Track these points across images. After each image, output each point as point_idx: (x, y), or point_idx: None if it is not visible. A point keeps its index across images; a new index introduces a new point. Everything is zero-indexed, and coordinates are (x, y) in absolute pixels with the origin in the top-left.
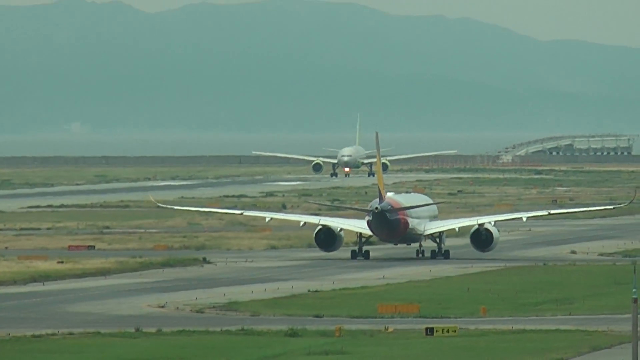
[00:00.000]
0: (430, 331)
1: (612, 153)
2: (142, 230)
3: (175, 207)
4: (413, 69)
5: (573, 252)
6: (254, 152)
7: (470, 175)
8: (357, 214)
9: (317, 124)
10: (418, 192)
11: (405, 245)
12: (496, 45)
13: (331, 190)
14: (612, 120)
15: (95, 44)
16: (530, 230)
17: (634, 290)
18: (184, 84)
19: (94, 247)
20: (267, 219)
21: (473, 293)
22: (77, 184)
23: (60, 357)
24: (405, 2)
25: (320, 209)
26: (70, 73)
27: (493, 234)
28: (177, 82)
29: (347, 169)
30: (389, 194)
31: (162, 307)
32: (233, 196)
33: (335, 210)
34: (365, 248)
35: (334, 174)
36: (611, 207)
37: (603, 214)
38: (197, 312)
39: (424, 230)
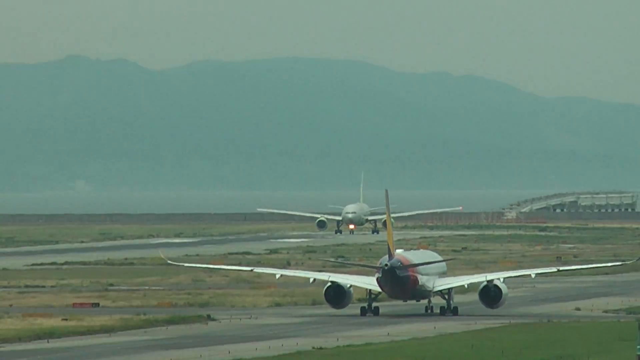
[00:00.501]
0: None
1: (616, 210)
2: (147, 288)
3: (186, 265)
4: (417, 127)
5: (577, 309)
6: (258, 209)
7: (474, 232)
8: (367, 270)
9: (322, 182)
10: (422, 249)
11: (414, 301)
12: (500, 102)
13: (335, 247)
14: (615, 177)
15: (100, 101)
16: (534, 286)
17: (638, 347)
18: (188, 142)
19: (99, 304)
20: (277, 276)
21: (477, 350)
22: (82, 242)
23: None
24: (410, 58)
25: (324, 266)
26: (74, 130)
27: (502, 290)
28: (181, 140)
29: (351, 226)
30: (398, 251)
31: None
32: (237, 253)
33: (340, 266)
34: (374, 304)
35: (339, 231)
36: (619, 263)
37: (607, 271)
38: None
39: (433, 287)
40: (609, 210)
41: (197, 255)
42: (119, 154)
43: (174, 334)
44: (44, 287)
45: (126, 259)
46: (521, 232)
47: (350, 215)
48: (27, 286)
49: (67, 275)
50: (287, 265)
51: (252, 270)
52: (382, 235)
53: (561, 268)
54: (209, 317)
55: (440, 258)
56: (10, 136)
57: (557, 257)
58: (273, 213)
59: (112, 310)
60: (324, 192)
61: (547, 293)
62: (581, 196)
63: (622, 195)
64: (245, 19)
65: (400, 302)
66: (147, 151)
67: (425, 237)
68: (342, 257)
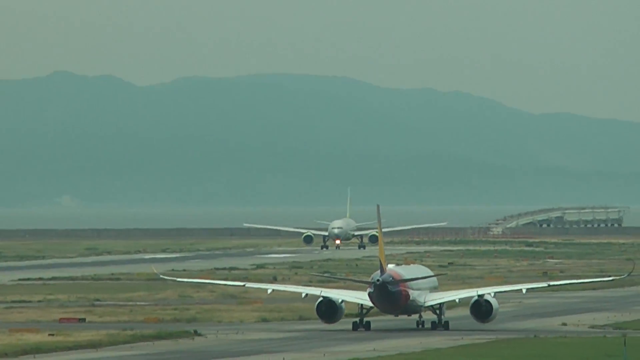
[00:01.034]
0: None
1: (602, 225)
2: (133, 303)
3: (178, 279)
4: (404, 143)
5: (564, 324)
6: (245, 225)
7: (461, 248)
8: (357, 285)
9: (308, 197)
10: (411, 264)
11: (406, 316)
12: (486, 119)
13: (322, 263)
14: (602, 193)
15: (86, 117)
16: (521, 302)
17: None
18: (174, 157)
19: (85, 319)
20: (269, 291)
21: None
22: (68, 257)
23: None
24: (396, 75)
25: (311, 280)
26: (61, 146)
27: (493, 305)
28: (168, 155)
29: (337, 241)
30: (390, 266)
31: None
32: (224, 268)
33: (327, 281)
34: (366, 319)
35: (325, 246)
36: (610, 279)
37: (594, 287)
38: None
39: (425, 302)
40: (595, 226)
41: (184, 270)
42: (105, 169)
43: (161, 350)
44: (30, 302)
45: (113, 274)
46: (507, 247)
47: (336, 231)
48: (13, 301)
49: (54, 290)
50: (273, 280)
51: (244, 285)
52: (369, 251)
53: (552, 283)
54: (195, 333)
55: (431, 273)
56: None
57: (544, 273)
58: (260, 228)
59: (98, 326)
60: (310, 207)
61: (534, 308)
62: (567, 211)
63: (609, 210)
64: (232, 35)
65: (391, 316)
66: (134, 167)
67: (411, 253)
68: (329, 272)
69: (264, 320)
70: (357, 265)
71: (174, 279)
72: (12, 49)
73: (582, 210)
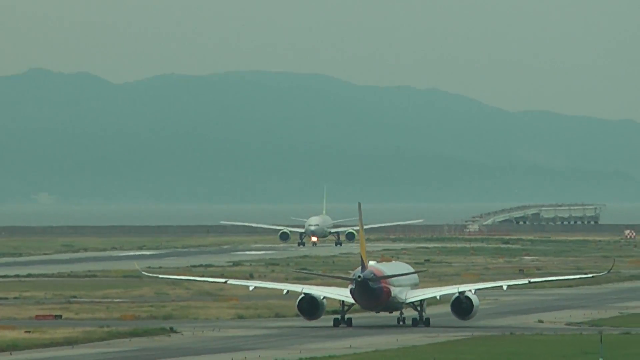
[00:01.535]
0: None
1: (579, 222)
2: (109, 300)
3: (160, 276)
4: (380, 140)
5: (540, 321)
6: (221, 222)
7: (437, 245)
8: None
9: (284, 195)
10: (385, 262)
11: (387, 313)
12: (464, 116)
13: (299, 260)
14: (578, 190)
15: (62, 114)
16: (497, 299)
17: (600, 359)
18: (150, 155)
19: (61, 316)
20: (250, 288)
21: None
22: (45, 254)
23: None
24: (373, 72)
25: (287, 278)
26: (37, 143)
27: (473, 301)
28: (144, 153)
29: (314, 238)
30: (372, 263)
31: None
32: (200, 266)
33: (304, 278)
34: (348, 316)
35: (302, 243)
36: (590, 275)
37: (573, 284)
38: None
39: (406, 299)
40: (572, 223)
41: (160, 267)
42: (82, 166)
43: (137, 347)
44: (6, 299)
45: (89, 271)
46: (484, 244)
47: (313, 228)
48: None
49: (30, 287)
50: (250, 277)
51: (225, 282)
52: (346, 248)
53: (532, 280)
54: (172, 330)
55: (412, 270)
56: None
57: (520, 270)
58: (236, 226)
59: (75, 323)
60: (286, 204)
61: (510, 305)
62: (543, 208)
63: (585, 207)
64: (209, 32)
65: (373, 313)
66: (110, 164)
67: (388, 250)
68: (306, 269)
69: (240, 317)
70: (333, 262)
71: (156, 275)
72: None
73: (559, 208)
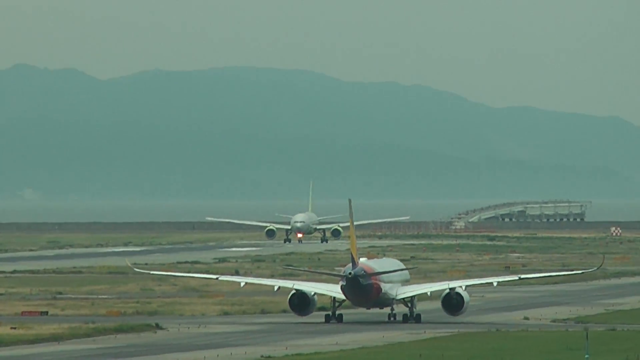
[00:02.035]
0: None
1: (564, 219)
2: (95, 296)
3: (152, 272)
4: (366, 136)
5: (526, 318)
6: (207, 219)
7: (423, 242)
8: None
9: (270, 191)
10: (372, 258)
11: (378, 309)
12: (449, 112)
13: (284, 256)
14: (564, 187)
15: (48, 110)
16: (483, 296)
17: (586, 356)
18: (136, 150)
19: (47, 312)
20: (242, 284)
21: (425, 359)
22: (30, 250)
23: None
24: (358, 68)
25: (273, 275)
26: (22, 139)
27: (464, 298)
28: (129, 148)
29: (300, 235)
30: (362, 260)
31: None
32: (186, 262)
33: (288, 274)
34: (339, 312)
35: (287, 240)
36: (580, 272)
37: (563, 280)
38: None
39: (396, 295)
40: (558, 220)
41: (146, 264)
42: (67, 162)
43: (123, 343)
44: None
45: (74, 267)
46: (469, 241)
47: (298, 224)
48: None
49: (16, 283)
50: (235, 273)
51: (217, 278)
52: (331, 245)
53: (523, 276)
54: (157, 326)
55: (403, 266)
56: None
57: (506, 267)
58: (222, 222)
59: (60, 319)
60: (272, 200)
61: (496, 302)
62: (529, 205)
63: (571, 204)
64: (193, 28)
65: (364, 309)
66: (96, 160)
67: (373, 247)
68: (291, 266)
69: (226, 313)
70: (319, 259)
71: (148, 271)
72: None
73: (545, 205)
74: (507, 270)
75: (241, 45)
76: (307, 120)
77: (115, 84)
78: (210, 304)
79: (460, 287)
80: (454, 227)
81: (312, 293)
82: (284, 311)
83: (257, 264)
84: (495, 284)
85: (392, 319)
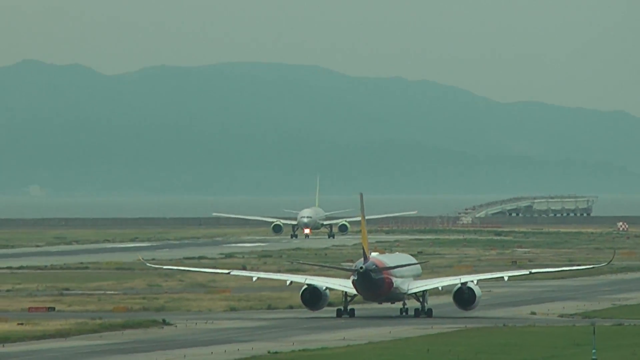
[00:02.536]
0: None
1: (571, 214)
2: (102, 292)
3: (165, 267)
4: (372, 132)
5: (533, 313)
6: (214, 214)
7: (430, 237)
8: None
9: (277, 186)
10: (379, 253)
11: (390, 304)
12: (456, 108)
13: (291, 252)
14: (571, 182)
15: (54, 106)
16: (490, 291)
17: (593, 351)
18: (143, 146)
19: (54, 308)
20: (254, 279)
21: (433, 354)
22: (37, 246)
23: None
24: (364, 64)
25: (279, 270)
26: (29, 135)
27: (475, 292)
28: (135, 144)
29: (307, 231)
30: (373, 254)
31: None
32: (193, 258)
33: (299, 269)
34: (350, 307)
35: (294, 235)
36: (590, 266)
37: (562, 275)
38: None
39: (408, 289)
40: (564, 215)
41: (153, 259)
42: (73, 158)
43: (130, 339)
44: None
45: (81, 263)
46: (476, 236)
47: (305, 220)
48: None
49: (23, 279)
50: (242, 269)
51: (229, 273)
52: (338, 240)
53: (534, 270)
54: (164, 322)
55: (414, 261)
56: None
57: (513, 262)
58: (229, 218)
59: (67, 315)
60: (279, 196)
61: (503, 297)
62: (536, 200)
63: (578, 199)
64: (199, 24)
65: (375, 304)
66: (102, 156)
67: (381, 242)
68: (298, 261)
69: (233, 309)
70: (326, 254)
71: (160, 266)
72: None
73: (551, 200)
74: (515, 265)
75: (247, 41)
76: (313, 115)
77: (121, 79)
78: (217, 299)
79: (472, 281)
80: (461, 222)
81: (324, 288)
82: (291, 307)
83: (263, 260)
84: (506, 278)
85: (404, 313)
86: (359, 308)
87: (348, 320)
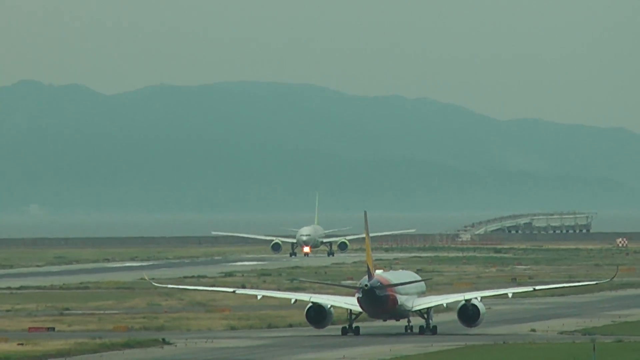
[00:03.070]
0: None
1: (570, 231)
2: (102, 312)
3: (170, 286)
4: (371, 149)
5: (533, 330)
6: (213, 233)
7: (429, 254)
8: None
9: (276, 204)
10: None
11: (394, 321)
12: (454, 125)
13: (290, 270)
14: (569, 198)
15: (53, 125)
16: (490, 308)
17: None
18: (141, 165)
19: (54, 328)
20: (258, 297)
21: None
22: (37, 266)
23: None
24: (363, 82)
25: (279, 288)
26: (28, 155)
27: (480, 309)
28: (134, 164)
29: (306, 249)
30: (378, 272)
31: None
32: (192, 277)
33: (299, 288)
34: (355, 324)
35: (293, 254)
36: (594, 282)
37: (562, 292)
38: None
39: (412, 307)
40: (564, 232)
41: (153, 278)
42: (73, 178)
43: (130, 358)
44: None
45: (81, 283)
46: (476, 253)
47: (304, 238)
48: None
49: (23, 299)
50: (242, 288)
51: (234, 291)
52: (337, 258)
53: (537, 287)
54: (164, 341)
55: (418, 278)
56: None
57: (512, 279)
58: (228, 236)
59: (67, 335)
60: (278, 214)
61: (503, 314)
62: (535, 217)
63: (577, 216)
64: (198, 43)
65: (380, 321)
66: (101, 175)
67: (380, 260)
68: (298, 279)
69: (233, 328)
70: (325, 272)
71: (165, 285)
72: None
73: (551, 216)
74: (515, 282)
75: (246, 60)
76: (312, 134)
77: (121, 99)
78: (217, 318)
79: (476, 298)
80: (460, 239)
81: (329, 306)
82: (291, 325)
83: (263, 278)
84: (510, 295)
85: (409, 330)
86: (365, 326)
87: (351, 338)
